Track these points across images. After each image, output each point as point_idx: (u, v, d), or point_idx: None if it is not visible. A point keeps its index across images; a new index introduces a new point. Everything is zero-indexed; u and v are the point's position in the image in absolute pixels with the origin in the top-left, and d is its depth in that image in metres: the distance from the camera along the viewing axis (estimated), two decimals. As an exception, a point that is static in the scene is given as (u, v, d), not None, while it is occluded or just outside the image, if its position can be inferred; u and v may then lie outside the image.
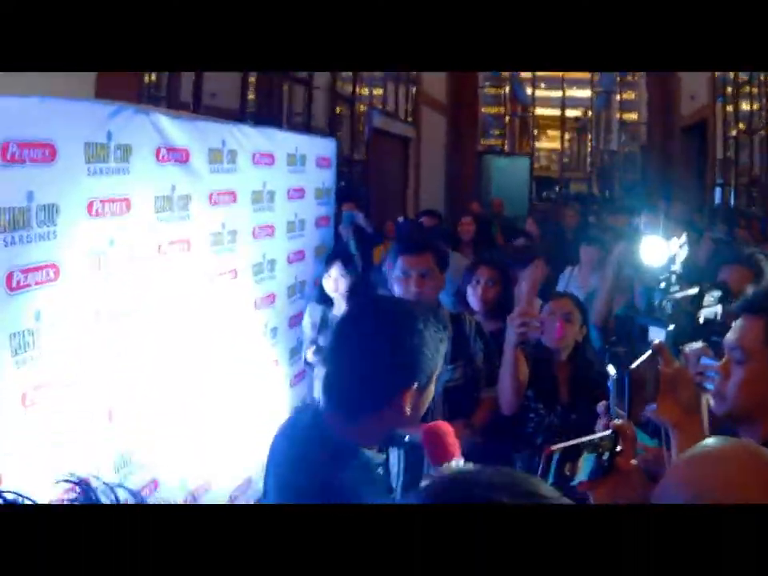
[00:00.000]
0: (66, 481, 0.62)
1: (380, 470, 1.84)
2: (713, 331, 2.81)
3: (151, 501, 3.47)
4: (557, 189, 19.55)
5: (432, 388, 1.85)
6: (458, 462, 1.85)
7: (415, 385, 1.76)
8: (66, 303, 3.02)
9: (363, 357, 1.76)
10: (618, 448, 1.64)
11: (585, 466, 1.59)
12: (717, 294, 2.91)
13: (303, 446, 1.79)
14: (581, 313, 3.55)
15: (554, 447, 1.53)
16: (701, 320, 2.84)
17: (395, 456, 2.91)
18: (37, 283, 2.87)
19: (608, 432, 1.64)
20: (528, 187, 18.37)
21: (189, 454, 3.89)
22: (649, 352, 1.95)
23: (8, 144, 2.65)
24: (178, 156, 3.84)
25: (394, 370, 1.74)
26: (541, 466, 1.51)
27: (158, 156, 3.66)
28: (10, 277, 2.74)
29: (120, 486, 0.60)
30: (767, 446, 1.95)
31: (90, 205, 3.13)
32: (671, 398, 1.88)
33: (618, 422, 1.68)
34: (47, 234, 2.88)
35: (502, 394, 3.32)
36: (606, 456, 1.62)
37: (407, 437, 2.05)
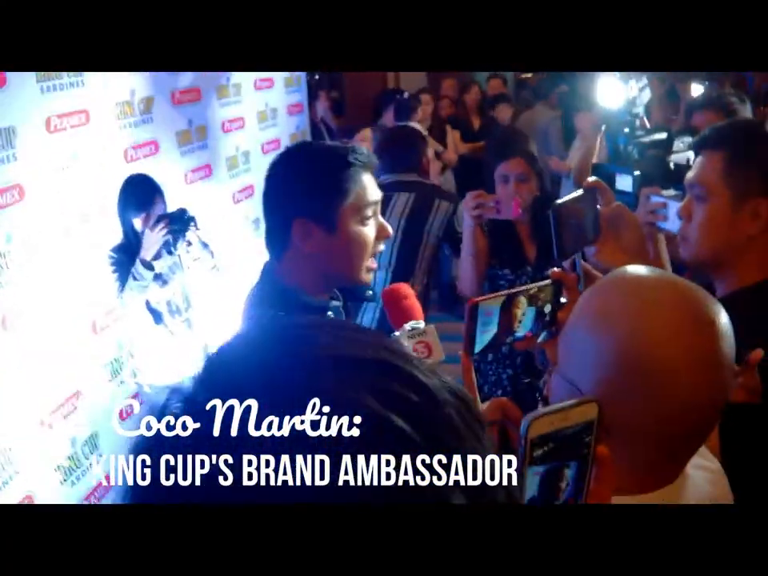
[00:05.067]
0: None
1: (330, 315, 1.87)
2: (684, 177, 2.78)
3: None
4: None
5: (355, 232, 1.80)
6: (415, 324, 1.68)
7: (303, 218, 1.76)
8: (34, 222, 3.00)
9: (269, 198, 1.87)
10: (563, 300, 1.48)
11: (525, 319, 1.43)
12: (687, 139, 2.82)
13: (254, 302, 1.89)
14: (535, 169, 3.28)
15: (478, 299, 1.34)
16: (671, 165, 2.77)
17: (371, 311, 3.37)
18: (2, 207, 2.84)
19: (546, 282, 1.47)
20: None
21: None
22: (580, 191, 1.66)
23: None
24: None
25: (283, 203, 1.83)
26: (465, 320, 1.33)
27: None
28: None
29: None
30: (737, 297, 1.82)
31: (48, 121, 3.07)
32: (613, 241, 1.68)
33: (557, 270, 1.51)
34: (7, 157, 2.84)
35: (464, 277, 3.24)
36: (547, 308, 1.47)
37: (369, 292, 2.10)
